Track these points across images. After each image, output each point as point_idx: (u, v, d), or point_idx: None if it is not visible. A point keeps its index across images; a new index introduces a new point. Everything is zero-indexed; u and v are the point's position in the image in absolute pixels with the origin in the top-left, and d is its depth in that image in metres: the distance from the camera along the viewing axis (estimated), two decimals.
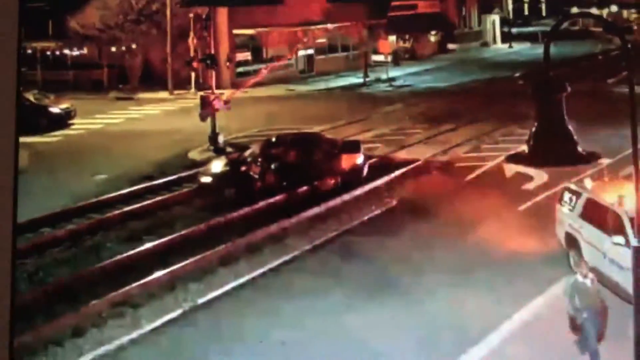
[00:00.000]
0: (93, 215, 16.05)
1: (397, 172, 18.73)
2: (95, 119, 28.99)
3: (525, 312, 10.88)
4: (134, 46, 37.04)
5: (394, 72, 40.01)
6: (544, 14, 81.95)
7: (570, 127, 6.75)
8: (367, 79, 38.39)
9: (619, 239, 10.70)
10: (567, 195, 12.67)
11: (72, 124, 27.62)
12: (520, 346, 10.00)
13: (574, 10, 65.51)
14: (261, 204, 16.37)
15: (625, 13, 65.81)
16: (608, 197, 11.52)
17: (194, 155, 22.30)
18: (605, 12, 65.85)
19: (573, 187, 12.66)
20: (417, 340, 10.31)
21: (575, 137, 6.83)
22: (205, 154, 22.05)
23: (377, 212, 16.24)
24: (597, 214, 11.67)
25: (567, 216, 12.45)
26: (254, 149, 18.36)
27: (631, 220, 10.12)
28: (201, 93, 24.83)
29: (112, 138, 25.52)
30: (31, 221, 14.78)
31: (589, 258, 11.59)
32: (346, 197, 16.88)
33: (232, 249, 13.80)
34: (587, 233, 11.80)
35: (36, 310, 11.23)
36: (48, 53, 38.33)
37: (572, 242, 12.24)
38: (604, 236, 11.28)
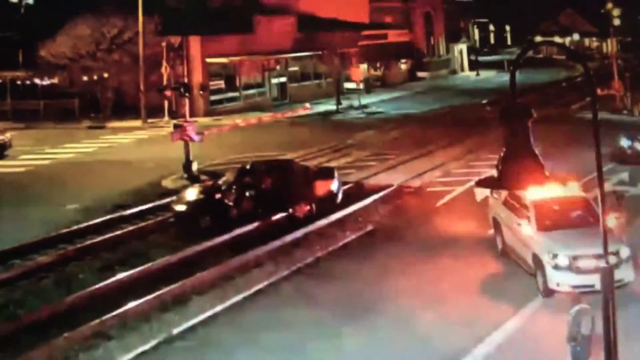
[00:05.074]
0: (65, 245, 15.82)
1: (371, 198, 18.90)
2: (66, 148, 28.76)
3: (498, 335, 10.99)
4: (106, 75, 36.93)
5: (366, 99, 40.50)
6: (509, 42, 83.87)
7: (536, 151, 6.95)
8: (340, 106, 38.80)
9: (525, 222, 13.03)
10: None
11: (6, 155, 26.89)
12: None
13: (538, 38, 67.04)
14: (237, 231, 16.35)
15: (587, 41, 67.60)
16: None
17: (168, 183, 22.20)
18: (567, 40, 67.58)
19: None
20: None
21: (541, 160, 7.03)
22: (179, 182, 21.96)
23: (352, 237, 16.32)
24: (513, 201, 13.92)
25: (495, 204, 14.89)
26: (228, 176, 18.37)
27: (534, 206, 12.99)
28: (174, 121, 24.80)
29: (85, 167, 25.31)
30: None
31: (507, 238, 13.97)
32: (321, 223, 16.95)
33: (207, 277, 13.73)
34: (506, 217, 14.07)
35: (5, 344, 11.03)
36: (18, 82, 38.05)
37: (497, 225, 14.70)
38: (516, 219, 13.53)
